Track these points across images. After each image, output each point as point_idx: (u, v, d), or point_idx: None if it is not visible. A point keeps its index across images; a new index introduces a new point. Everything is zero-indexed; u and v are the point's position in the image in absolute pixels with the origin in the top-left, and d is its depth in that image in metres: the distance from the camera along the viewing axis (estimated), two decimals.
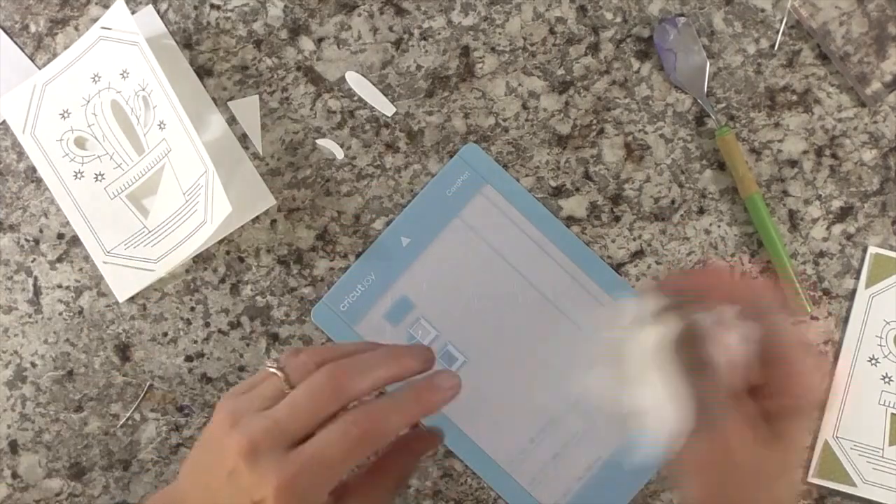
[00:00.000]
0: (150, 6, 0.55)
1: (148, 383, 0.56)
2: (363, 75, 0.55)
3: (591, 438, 0.52)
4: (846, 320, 0.53)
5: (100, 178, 0.55)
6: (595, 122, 0.54)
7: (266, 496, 0.35)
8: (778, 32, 0.54)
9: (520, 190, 0.54)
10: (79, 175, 0.55)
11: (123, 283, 0.55)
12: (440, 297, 0.53)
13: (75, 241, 0.56)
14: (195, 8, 0.55)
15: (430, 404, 0.38)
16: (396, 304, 0.54)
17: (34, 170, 0.56)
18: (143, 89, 0.54)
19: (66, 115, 0.55)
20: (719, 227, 0.54)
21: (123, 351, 0.55)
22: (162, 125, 0.53)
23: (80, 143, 0.55)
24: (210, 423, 0.38)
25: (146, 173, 0.54)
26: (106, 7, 0.55)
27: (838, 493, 0.52)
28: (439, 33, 0.55)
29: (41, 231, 0.56)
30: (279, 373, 0.38)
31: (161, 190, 0.54)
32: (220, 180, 0.51)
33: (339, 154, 0.55)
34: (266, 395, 0.38)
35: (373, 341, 0.42)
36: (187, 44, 0.56)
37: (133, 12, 0.55)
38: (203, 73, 0.55)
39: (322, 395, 0.37)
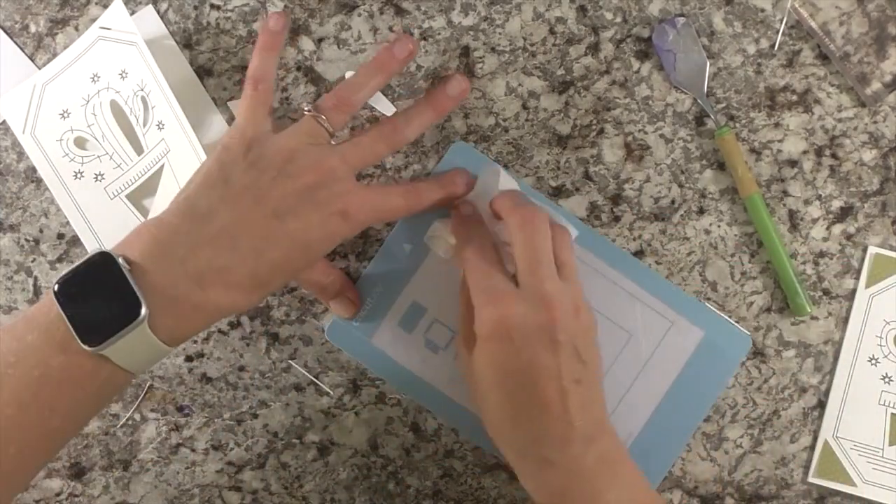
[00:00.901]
0: (150, 6, 0.55)
1: (148, 383, 0.56)
2: None
3: (620, 418, 0.52)
4: (846, 320, 0.53)
5: (100, 178, 0.55)
6: (595, 122, 0.54)
7: (349, 207, 0.47)
8: (778, 32, 0.54)
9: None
10: (79, 175, 0.55)
11: None
12: (451, 297, 0.53)
13: (75, 241, 0.56)
14: (195, 8, 0.55)
15: (443, 108, 0.52)
16: (409, 311, 0.54)
17: (34, 170, 0.56)
18: (142, 89, 0.54)
19: (65, 115, 0.55)
20: (719, 227, 0.54)
21: None
22: (161, 125, 0.53)
23: (80, 143, 0.55)
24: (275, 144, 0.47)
25: (146, 173, 0.54)
26: (106, 7, 0.55)
27: (838, 493, 0.53)
28: (439, 33, 0.55)
29: (41, 231, 0.56)
30: (324, 122, 0.49)
31: (160, 190, 0.54)
32: None
33: None
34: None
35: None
36: (187, 44, 0.56)
37: (133, 12, 0.55)
38: (203, 73, 0.55)
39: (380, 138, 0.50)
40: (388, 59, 0.51)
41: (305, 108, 0.49)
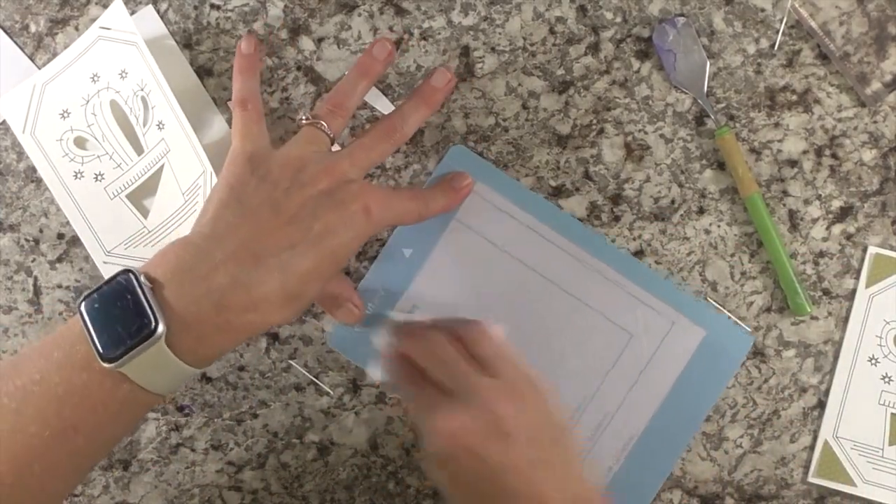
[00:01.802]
0: (150, 6, 0.55)
1: None
2: None
3: (622, 419, 0.52)
4: (846, 320, 0.53)
5: (100, 178, 0.55)
6: (595, 122, 0.54)
7: (370, 204, 0.46)
8: (778, 32, 0.54)
9: (512, 183, 0.54)
10: (79, 175, 0.55)
11: None
12: (452, 300, 0.53)
13: (75, 241, 0.56)
14: (195, 8, 0.55)
15: (434, 101, 0.52)
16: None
17: (34, 170, 0.56)
18: (142, 89, 0.54)
19: (65, 114, 0.55)
20: (719, 226, 0.54)
21: None
22: (161, 125, 0.53)
23: (80, 142, 0.55)
24: (275, 162, 0.47)
25: (146, 173, 0.54)
26: (106, 7, 0.55)
27: (838, 493, 0.53)
28: (439, 33, 0.55)
29: (41, 231, 0.56)
30: (323, 127, 0.49)
31: (160, 190, 0.54)
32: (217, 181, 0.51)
33: None
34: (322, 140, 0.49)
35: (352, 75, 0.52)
36: (187, 44, 0.55)
37: (133, 12, 0.55)
38: (203, 73, 0.55)
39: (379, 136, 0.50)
40: (370, 62, 0.51)
41: (303, 118, 0.49)
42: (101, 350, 0.41)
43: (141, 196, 0.55)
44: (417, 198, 0.51)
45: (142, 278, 0.42)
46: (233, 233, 0.44)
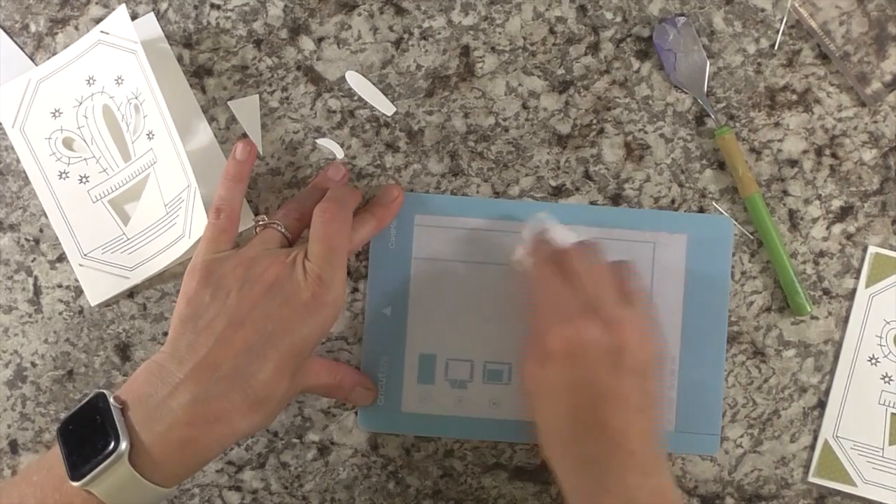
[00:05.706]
0: (152, 14, 0.55)
1: None
2: (363, 75, 0.55)
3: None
4: (846, 320, 0.53)
5: (84, 180, 0.55)
6: (595, 121, 0.54)
7: (318, 290, 0.46)
8: (778, 32, 0.54)
9: (442, 199, 0.54)
10: (64, 175, 0.55)
11: (97, 287, 0.55)
12: (451, 332, 0.54)
13: None
14: (195, 8, 0.55)
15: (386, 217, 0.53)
16: (421, 365, 0.54)
17: None
18: (136, 97, 0.53)
19: (57, 114, 0.55)
20: None
21: (123, 351, 0.55)
22: (150, 135, 0.53)
23: (68, 143, 0.55)
24: (229, 266, 0.47)
25: (130, 181, 0.54)
26: (106, 7, 0.55)
27: (838, 492, 0.53)
28: (439, 33, 0.55)
29: (41, 231, 0.56)
30: (279, 227, 0.50)
31: (143, 199, 0.54)
32: (201, 197, 0.51)
33: (340, 154, 0.55)
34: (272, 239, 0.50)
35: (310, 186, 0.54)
36: (187, 44, 0.55)
37: (134, 15, 0.55)
38: (203, 72, 0.55)
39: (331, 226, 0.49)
40: (325, 181, 0.53)
41: (259, 221, 0.50)
42: (70, 469, 0.42)
43: (123, 203, 0.54)
44: (354, 243, 0.50)
45: (111, 399, 0.43)
46: (192, 350, 0.44)
